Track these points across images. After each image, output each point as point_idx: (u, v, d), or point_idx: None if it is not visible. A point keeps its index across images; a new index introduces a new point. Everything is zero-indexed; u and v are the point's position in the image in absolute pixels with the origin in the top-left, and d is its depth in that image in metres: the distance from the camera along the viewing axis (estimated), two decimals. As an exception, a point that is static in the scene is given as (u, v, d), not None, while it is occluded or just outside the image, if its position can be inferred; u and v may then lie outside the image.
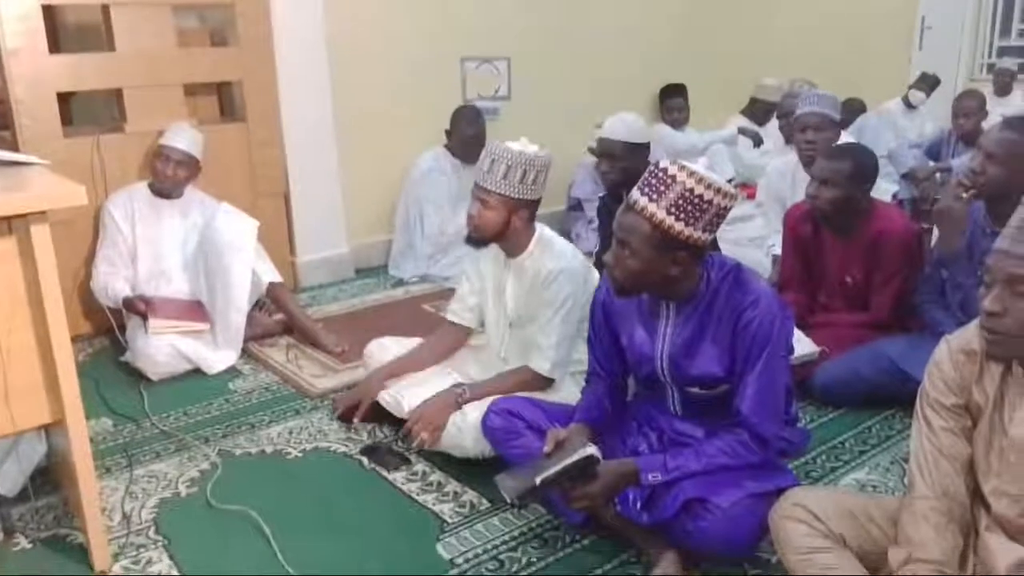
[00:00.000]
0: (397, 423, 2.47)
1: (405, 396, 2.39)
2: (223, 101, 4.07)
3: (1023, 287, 1.28)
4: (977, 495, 1.50)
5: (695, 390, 1.89)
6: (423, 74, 4.49)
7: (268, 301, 3.46)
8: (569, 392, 2.29)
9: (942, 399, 1.50)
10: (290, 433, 2.61)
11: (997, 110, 5.48)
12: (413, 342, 2.65)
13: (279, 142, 3.97)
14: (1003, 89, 6.59)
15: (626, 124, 3.05)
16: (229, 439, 2.57)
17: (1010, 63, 7.03)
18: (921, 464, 1.50)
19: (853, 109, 5.71)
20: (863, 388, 2.66)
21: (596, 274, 2.40)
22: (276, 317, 3.47)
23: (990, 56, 8.10)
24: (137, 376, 3.02)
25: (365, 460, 2.41)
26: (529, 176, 2.22)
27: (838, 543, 1.54)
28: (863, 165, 2.79)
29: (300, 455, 2.48)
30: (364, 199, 4.41)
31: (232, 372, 3.11)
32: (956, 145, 5.15)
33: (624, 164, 2.96)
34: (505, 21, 4.77)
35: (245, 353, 3.23)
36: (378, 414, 2.55)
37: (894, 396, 2.58)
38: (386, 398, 2.47)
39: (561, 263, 2.28)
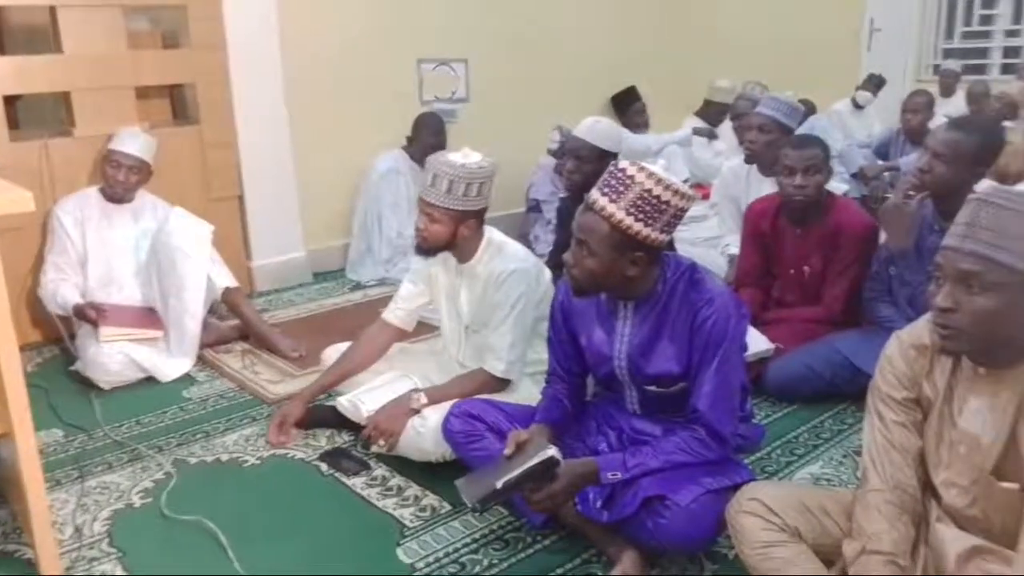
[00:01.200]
0: (356, 428, 2.45)
1: (364, 401, 2.37)
2: (175, 103, 4.00)
3: (973, 283, 1.32)
4: (928, 487, 1.53)
5: (653, 389, 1.90)
6: (380, 76, 4.47)
7: (223, 306, 3.40)
8: (528, 392, 2.29)
9: (893, 393, 1.53)
10: (246, 440, 2.58)
11: (942, 110, 5.64)
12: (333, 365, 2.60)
13: (233, 145, 3.92)
14: (947, 90, 6.77)
15: (600, 129, 3.06)
16: (184, 448, 2.53)
17: (954, 64, 7.23)
18: (873, 457, 1.53)
19: (804, 110, 5.81)
20: (816, 383, 2.71)
21: (548, 273, 2.41)
22: (231, 323, 3.42)
23: (935, 58, 8.32)
24: (88, 385, 2.95)
25: (324, 466, 2.39)
26: (473, 188, 2.21)
27: (794, 536, 1.56)
28: (826, 150, 2.92)
29: (257, 462, 2.44)
30: (321, 202, 4.38)
31: (187, 379, 3.06)
32: (904, 145, 5.29)
33: (589, 168, 2.97)
34: (462, 23, 4.76)
35: (200, 360, 3.18)
36: (336, 419, 2.52)
37: (846, 391, 2.64)
38: (344, 403, 2.44)
39: (512, 264, 2.28)
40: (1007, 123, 5.34)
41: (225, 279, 3.29)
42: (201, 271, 3.14)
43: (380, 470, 2.35)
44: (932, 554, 1.47)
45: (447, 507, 2.15)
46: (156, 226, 3.26)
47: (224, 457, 2.47)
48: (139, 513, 2.18)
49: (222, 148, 3.86)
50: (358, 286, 4.22)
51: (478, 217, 2.29)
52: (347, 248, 4.44)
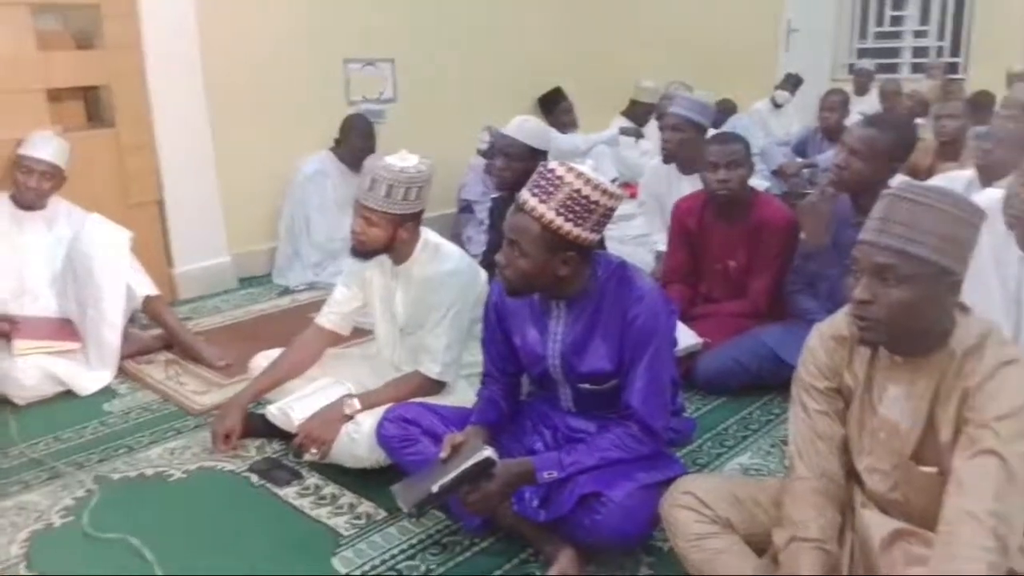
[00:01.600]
0: (287, 436, 2.39)
1: (294, 409, 2.32)
2: (90, 106, 3.85)
3: (889, 276, 1.36)
4: (852, 473, 1.58)
5: (587, 386, 1.92)
6: (304, 76, 4.39)
7: (144, 316, 3.29)
8: (464, 395, 2.28)
9: (816, 383, 1.57)
10: (172, 453, 2.50)
11: (857, 108, 5.86)
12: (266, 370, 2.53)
13: (151, 148, 3.80)
14: (862, 88, 7.04)
15: (529, 127, 3.09)
16: (106, 463, 2.43)
17: (868, 64, 7.52)
18: (799, 446, 1.57)
19: (725, 110, 5.96)
20: (743, 376, 2.78)
21: (484, 275, 2.40)
22: (154, 332, 3.31)
23: (850, 57, 8.64)
24: (2, 402, 2.81)
25: (254, 477, 2.33)
26: (412, 192, 2.19)
27: (726, 528, 1.60)
28: (748, 146, 3.00)
29: (183, 476, 2.37)
30: (246, 206, 4.27)
31: (107, 392, 2.94)
32: (821, 142, 5.47)
33: (519, 166, 2.99)
34: (388, 22, 4.72)
35: (121, 372, 3.07)
36: (266, 429, 2.46)
37: (772, 382, 2.71)
38: (274, 412, 2.38)
39: (448, 266, 2.28)
40: (919, 120, 5.58)
41: (145, 287, 3.18)
42: (120, 279, 3.03)
43: (313, 479, 2.31)
44: (858, 539, 1.52)
45: (383, 513, 2.13)
46: (71, 234, 3.12)
47: (149, 472, 2.39)
48: (59, 533, 2.09)
49: (140, 152, 3.73)
50: (286, 291, 4.13)
51: (416, 220, 2.27)
52: (274, 252, 4.34)
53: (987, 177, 2.99)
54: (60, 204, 3.21)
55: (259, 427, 2.49)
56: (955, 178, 3.29)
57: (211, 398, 2.84)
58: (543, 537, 1.89)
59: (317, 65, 4.45)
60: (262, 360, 2.58)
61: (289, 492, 2.25)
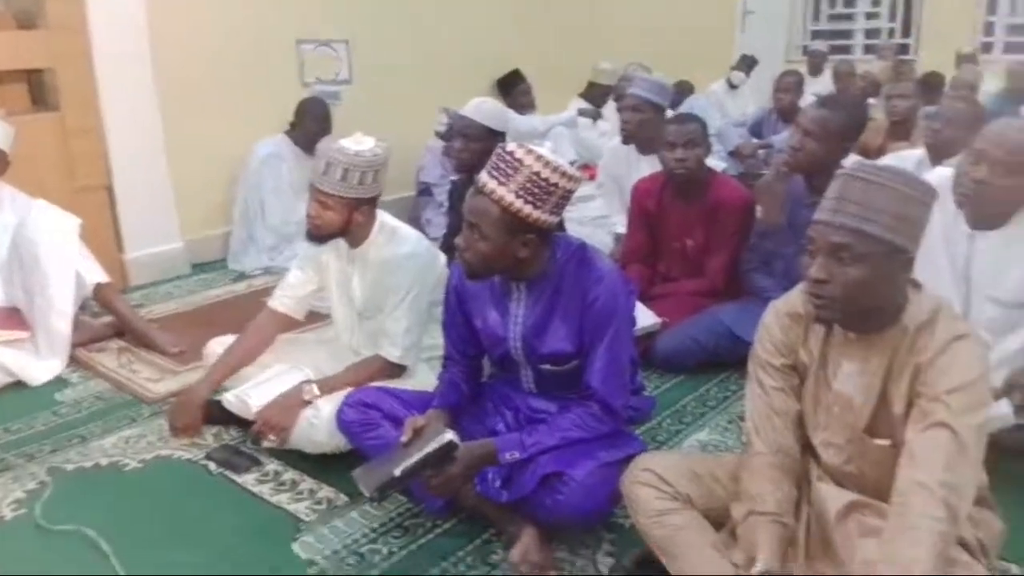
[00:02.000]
0: (244, 423, 2.36)
1: (251, 396, 2.29)
2: (34, 89, 3.73)
3: (844, 254, 1.38)
4: (808, 447, 1.61)
5: (548, 367, 1.93)
6: (257, 57, 4.31)
7: (95, 303, 3.22)
8: (425, 378, 2.27)
9: (772, 360, 1.60)
10: (127, 443, 2.45)
11: (811, 89, 5.93)
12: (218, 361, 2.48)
13: (99, 132, 3.70)
14: (816, 70, 7.13)
15: (487, 108, 3.06)
16: (59, 454, 2.38)
17: (822, 45, 7.62)
18: (756, 422, 1.60)
19: (683, 91, 5.99)
20: (701, 354, 2.82)
21: (443, 258, 2.39)
22: (105, 320, 3.24)
23: (804, 39, 8.74)
24: (-53, 394, 2.74)
25: (212, 465, 2.30)
26: (368, 176, 2.17)
27: (685, 503, 1.62)
28: (705, 126, 3.03)
29: (140, 465, 2.32)
30: (198, 190, 4.19)
31: (58, 382, 2.87)
32: (776, 123, 5.53)
33: (477, 147, 2.97)
34: (343, 2, 4.64)
35: (72, 361, 2.99)
36: (223, 416, 2.43)
37: (729, 359, 2.74)
38: (230, 399, 2.35)
39: (405, 248, 2.26)
40: (871, 101, 5.68)
41: (95, 274, 3.10)
42: (68, 267, 2.95)
43: (272, 465, 2.28)
44: (814, 511, 1.55)
45: (344, 499, 2.11)
46: (16, 220, 3.03)
47: (103, 462, 2.34)
48: (11, 526, 2.04)
49: (86, 136, 3.63)
50: (241, 276, 4.07)
51: (372, 203, 2.25)
52: (228, 237, 4.27)
53: (937, 156, 3.06)
54: (4, 190, 3.11)
55: (216, 414, 2.44)
56: (906, 157, 3.36)
57: (165, 386, 2.79)
58: (506, 517, 1.90)
59: (270, 46, 4.37)
60: (216, 346, 2.54)
61: (248, 479, 2.22)
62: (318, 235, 2.24)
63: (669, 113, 3.61)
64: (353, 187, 2.15)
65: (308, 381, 2.26)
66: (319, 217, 2.19)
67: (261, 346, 2.46)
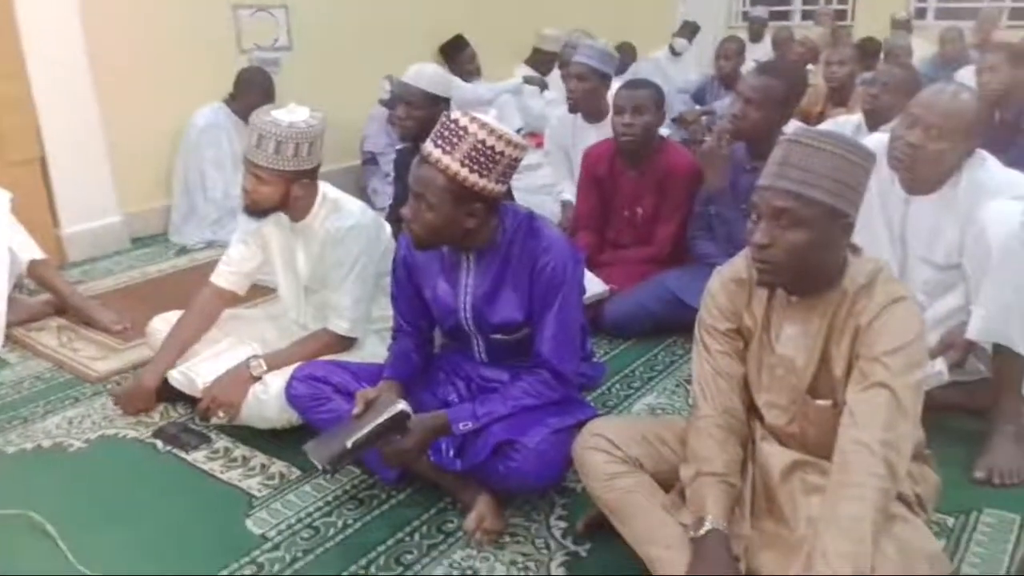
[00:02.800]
0: (192, 400, 2.33)
1: (198, 373, 2.25)
2: (-46, 59, 3.56)
3: (786, 219, 1.42)
4: (752, 409, 1.66)
5: (498, 336, 1.94)
6: (193, 23, 4.16)
7: (31, 281, 3.11)
8: (375, 350, 2.26)
9: (717, 324, 1.63)
10: (70, 423, 2.39)
11: (752, 56, 5.99)
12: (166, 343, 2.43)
13: (28, 102, 3.55)
14: (756, 35, 7.20)
15: (429, 74, 3.01)
16: (-1, 437, 2.32)
17: (762, 11, 7.69)
18: (702, 385, 1.64)
19: (624, 52, 5.99)
20: (648, 320, 2.86)
21: (388, 228, 2.37)
22: (43, 298, 3.14)
23: (744, 5, 8.81)
24: None
25: (159, 443, 2.27)
26: (303, 148, 2.11)
27: (635, 467, 1.65)
28: (658, 92, 3.02)
29: (84, 446, 2.28)
30: (136, 161, 4.06)
31: (-5, 363, 2.79)
32: (719, 89, 5.58)
33: (421, 114, 2.94)
34: (280, -34, 4.52)
35: (9, 340, 2.90)
36: (170, 393, 2.39)
37: (675, 325, 2.78)
38: (176, 376, 2.31)
39: (350, 220, 2.22)
40: (810, 67, 5.76)
41: (30, 251, 3.00)
42: (1, 244, 2.85)
43: (222, 442, 2.26)
44: (759, 471, 1.60)
45: (296, 472, 2.11)
46: (-58, 197, 2.91)
47: (46, 443, 2.29)
48: (-50, 513, 1.99)
49: (15, 107, 3.48)
50: (183, 250, 3.98)
51: (311, 176, 2.20)
52: (169, 210, 4.16)
53: (874, 122, 3.14)
54: (-73, 165, 2.99)
55: (162, 391, 2.40)
56: (844, 123, 3.44)
57: (109, 364, 2.73)
58: (460, 485, 1.92)
59: (204, 12, 4.22)
60: (160, 323, 2.48)
61: (198, 457, 2.20)
62: (255, 210, 2.19)
63: (616, 81, 3.61)
64: (288, 160, 2.10)
65: (255, 356, 2.24)
66: (255, 192, 2.15)
67: (206, 324, 2.41)
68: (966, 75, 4.66)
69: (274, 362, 2.21)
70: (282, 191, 2.15)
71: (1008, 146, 3.04)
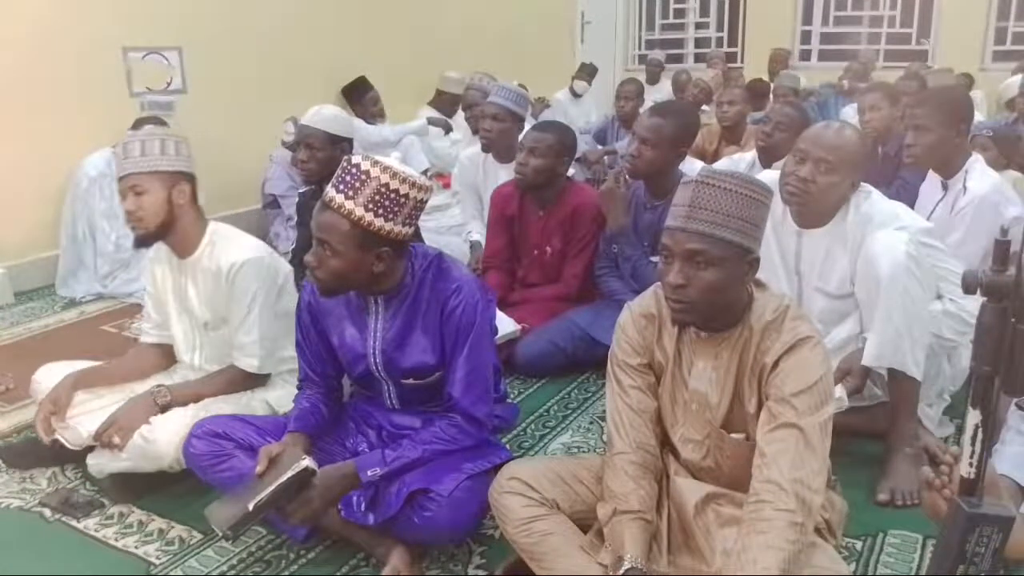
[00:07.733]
0: (80, 464, 2.18)
1: (82, 422, 2.12)
2: None
3: (701, 259, 1.45)
4: (665, 443, 1.67)
5: (410, 381, 1.90)
6: (80, 67, 4.00)
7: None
8: (285, 391, 2.19)
9: (628, 360, 1.64)
10: (-52, 495, 2.21)
11: (651, 97, 6.19)
12: (92, 364, 2.33)
13: None
14: (653, 78, 7.45)
15: (328, 115, 2.98)
16: None
17: (659, 54, 7.98)
18: (616, 422, 1.64)
19: (531, 99, 6.10)
20: (560, 357, 2.86)
21: (285, 263, 2.31)
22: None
23: (640, 48, 9.13)
24: None
25: (47, 512, 2.10)
26: (169, 145, 2.09)
27: (552, 508, 1.63)
28: (564, 137, 3.05)
29: (-37, 518, 2.10)
30: (19, 210, 3.85)
31: None
32: (619, 130, 5.73)
33: (323, 155, 2.90)
34: (173, 7, 4.40)
35: None
36: (53, 457, 2.23)
37: (587, 361, 2.81)
38: (61, 430, 2.14)
39: (243, 255, 2.15)
40: (704, 107, 5.98)
41: None
42: None
43: (116, 507, 2.11)
44: (674, 505, 1.61)
45: (197, 536, 1.99)
46: None
47: (-82, 519, 2.10)
48: None
49: None
50: (72, 303, 3.77)
51: (190, 184, 2.14)
52: (55, 261, 3.94)
53: (768, 158, 3.27)
54: None
55: (45, 455, 2.24)
56: (738, 160, 3.58)
57: (-10, 428, 2.54)
58: (373, 540, 1.85)
59: (91, 54, 4.07)
60: (46, 373, 2.30)
61: (89, 524, 2.05)
62: (144, 233, 2.11)
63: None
64: (157, 158, 2.07)
65: (160, 385, 2.13)
66: (139, 208, 2.07)
67: (136, 373, 2.30)
68: (849, 113, 4.94)
69: (180, 394, 2.11)
70: (164, 197, 2.08)
71: (891, 180, 3.22)
